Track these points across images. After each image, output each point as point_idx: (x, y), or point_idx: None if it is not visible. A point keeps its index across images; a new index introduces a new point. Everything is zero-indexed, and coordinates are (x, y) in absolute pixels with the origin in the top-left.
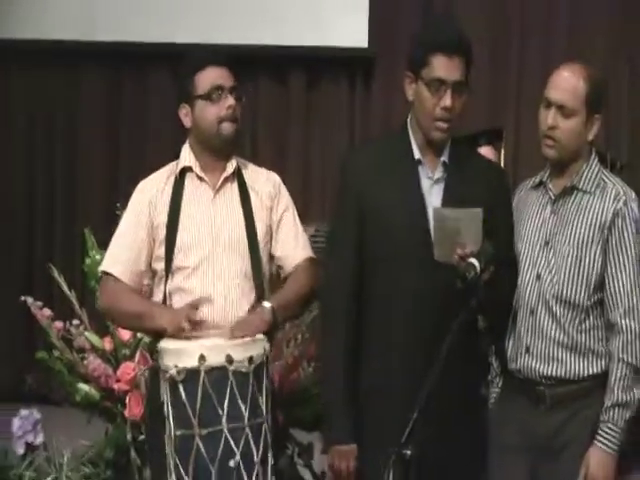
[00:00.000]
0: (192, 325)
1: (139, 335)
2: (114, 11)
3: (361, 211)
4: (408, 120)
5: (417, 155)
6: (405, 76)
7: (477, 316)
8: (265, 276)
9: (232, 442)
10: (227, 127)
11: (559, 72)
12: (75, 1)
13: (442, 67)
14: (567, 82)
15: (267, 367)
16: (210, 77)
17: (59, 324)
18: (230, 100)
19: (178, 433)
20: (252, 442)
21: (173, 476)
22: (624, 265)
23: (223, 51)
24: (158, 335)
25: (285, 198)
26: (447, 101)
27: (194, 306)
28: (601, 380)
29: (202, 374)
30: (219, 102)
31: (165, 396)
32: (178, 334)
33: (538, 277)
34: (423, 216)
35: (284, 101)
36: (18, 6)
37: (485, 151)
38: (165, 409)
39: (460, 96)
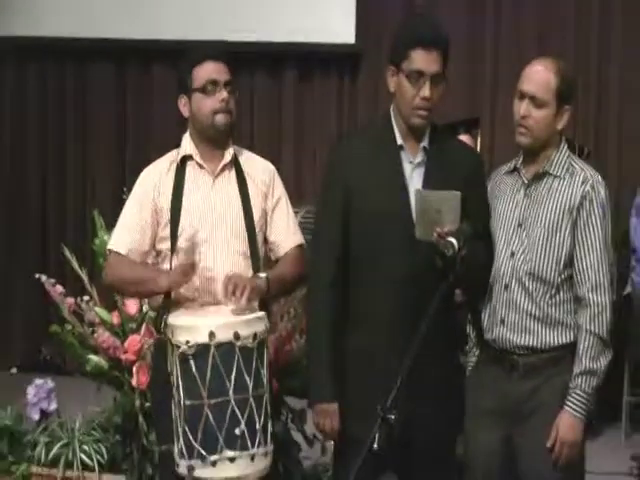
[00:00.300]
0: (191, 269)
1: (144, 309)
2: (122, 10)
3: (347, 200)
4: (391, 109)
5: (399, 141)
6: (387, 69)
7: (455, 290)
8: (260, 257)
9: (238, 411)
10: (220, 118)
11: (532, 66)
12: (87, 3)
13: (421, 60)
14: (539, 75)
15: (267, 342)
16: (206, 71)
17: (71, 300)
18: (223, 94)
19: (188, 403)
20: (255, 411)
21: (181, 442)
22: (592, 244)
23: (223, 47)
24: (166, 303)
25: (279, 186)
26: (426, 91)
27: (189, 252)
28: (570, 350)
29: (212, 349)
30: (214, 95)
31: (175, 369)
32: (181, 283)
33: (512, 255)
34: (405, 198)
35: (279, 93)
36: (34, 5)
37: (463, 139)
38: (174, 380)
39: (438, 87)
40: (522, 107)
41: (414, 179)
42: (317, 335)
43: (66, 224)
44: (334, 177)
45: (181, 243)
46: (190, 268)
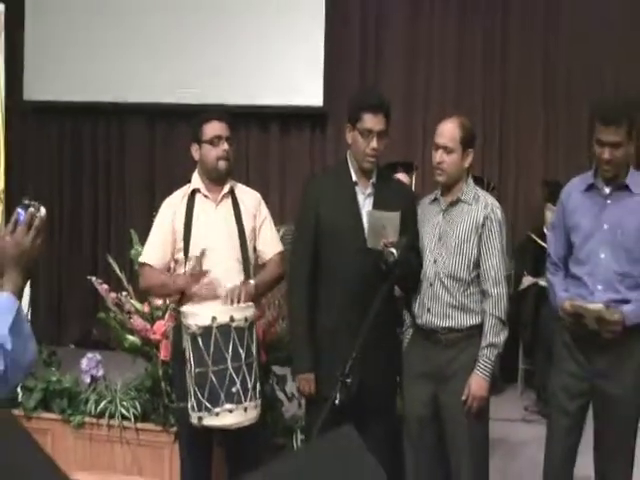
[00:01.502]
0: (198, 274)
1: (167, 302)
2: (151, 81)
3: (316, 221)
4: (348, 155)
5: (354, 178)
6: (346, 126)
7: (394, 287)
8: (250, 262)
9: (234, 375)
10: (222, 164)
11: (443, 123)
12: (126, 75)
13: (370, 121)
14: (448, 130)
15: (256, 324)
16: (213, 128)
17: (114, 295)
18: (225, 145)
19: (197, 370)
20: (247, 374)
21: (193, 399)
22: (492, 251)
23: (224, 109)
24: (182, 298)
25: (264, 210)
26: (374, 144)
27: (197, 260)
28: (478, 329)
29: (214, 329)
30: (218, 146)
31: (187, 345)
32: (192, 286)
33: (435, 261)
34: (359, 220)
35: (267, 142)
36: (82, 76)
37: (401, 176)
38: (187, 354)
39: (382, 140)
40: (437, 155)
41: (365, 206)
42: (297, 321)
43: (110, 239)
44: (307, 204)
45: (192, 253)
46: (199, 274)
